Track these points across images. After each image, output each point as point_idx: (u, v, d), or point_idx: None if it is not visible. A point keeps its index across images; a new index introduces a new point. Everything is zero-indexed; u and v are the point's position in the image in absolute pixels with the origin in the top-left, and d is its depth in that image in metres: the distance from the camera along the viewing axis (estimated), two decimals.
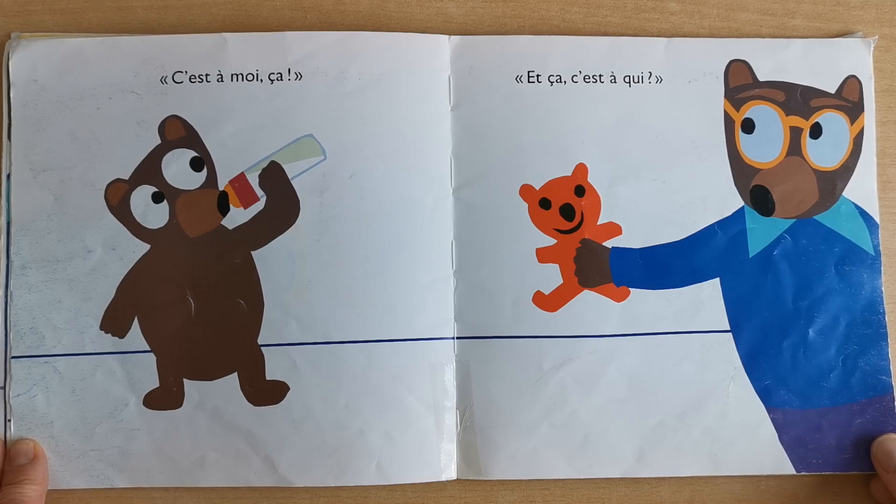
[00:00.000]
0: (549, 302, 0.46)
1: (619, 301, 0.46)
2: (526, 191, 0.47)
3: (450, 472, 0.46)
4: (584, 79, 0.47)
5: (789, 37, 0.49)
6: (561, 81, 0.47)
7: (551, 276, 0.46)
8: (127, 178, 0.46)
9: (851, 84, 0.48)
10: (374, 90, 0.47)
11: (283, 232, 0.46)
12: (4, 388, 0.45)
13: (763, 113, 0.47)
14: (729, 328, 0.47)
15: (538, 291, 0.46)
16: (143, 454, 0.45)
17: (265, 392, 0.45)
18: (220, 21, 0.48)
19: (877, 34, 0.49)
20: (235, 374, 0.46)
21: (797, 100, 0.47)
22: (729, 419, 0.46)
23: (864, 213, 0.47)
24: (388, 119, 0.47)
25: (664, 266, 0.47)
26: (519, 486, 0.47)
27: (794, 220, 0.47)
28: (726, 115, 0.47)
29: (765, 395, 0.46)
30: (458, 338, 0.46)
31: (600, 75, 0.47)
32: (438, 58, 0.47)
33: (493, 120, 0.47)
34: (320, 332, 0.46)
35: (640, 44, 0.48)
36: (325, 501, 0.46)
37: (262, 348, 0.46)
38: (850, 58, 0.48)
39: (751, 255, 0.47)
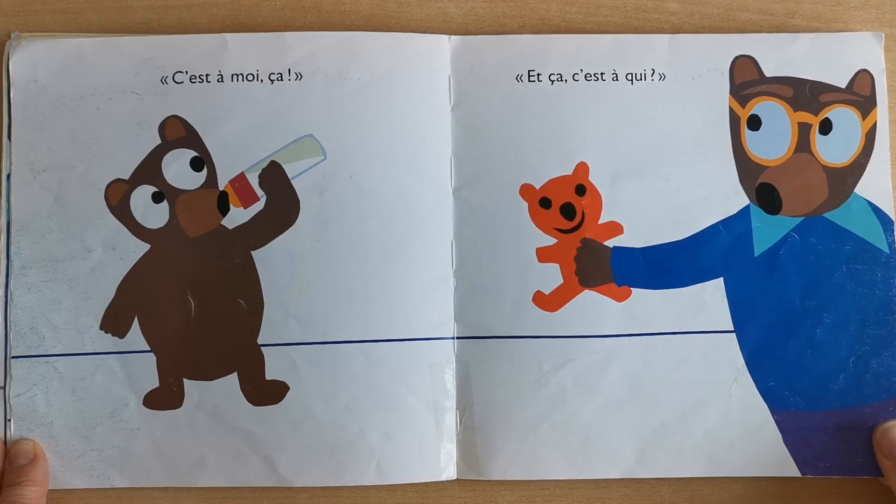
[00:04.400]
0: (549, 302, 0.46)
1: (620, 301, 0.46)
2: (526, 190, 0.47)
3: (450, 472, 0.46)
4: (586, 77, 0.47)
5: None
6: (562, 80, 0.47)
7: (552, 276, 0.46)
8: (127, 178, 0.46)
9: (863, 78, 0.47)
10: (374, 90, 0.47)
11: (283, 232, 0.46)
12: (4, 388, 0.45)
13: (770, 109, 0.47)
14: (732, 328, 0.46)
15: (538, 291, 0.46)
16: (143, 454, 0.45)
17: (265, 392, 0.45)
18: (220, 21, 0.48)
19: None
20: (235, 374, 0.46)
21: (805, 95, 0.47)
22: (731, 420, 0.46)
23: (877, 211, 0.47)
24: (388, 119, 0.47)
25: (667, 265, 0.46)
26: (519, 487, 0.47)
27: (802, 218, 0.46)
28: (731, 111, 0.47)
29: (769, 396, 0.46)
30: (458, 338, 0.46)
31: (602, 73, 0.47)
32: (438, 58, 0.47)
33: (493, 120, 0.47)
34: (320, 332, 0.46)
35: (642, 41, 0.48)
36: (325, 501, 0.46)
37: (261, 348, 0.46)
38: (861, 52, 0.47)
39: (756, 255, 0.46)
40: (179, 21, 0.48)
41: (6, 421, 0.45)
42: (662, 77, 0.47)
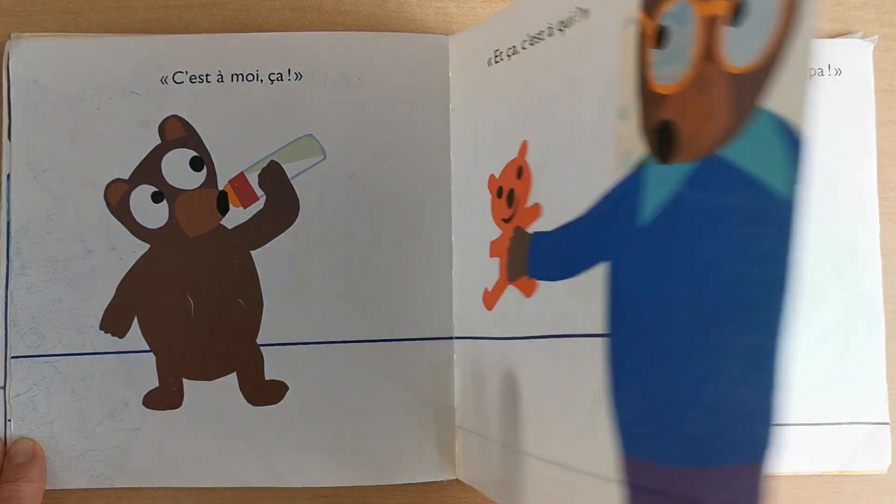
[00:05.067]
0: (488, 300, 0.43)
1: (528, 296, 0.39)
2: (491, 181, 0.43)
3: (450, 471, 0.46)
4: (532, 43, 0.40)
5: None
6: (507, 58, 0.41)
7: (496, 272, 0.43)
8: (127, 177, 0.46)
9: None
10: (374, 90, 0.47)
11: (283, 232, 0.46)
12: (4, 387, 0.45)
13: (679, 11, 0.30)
14: (604, 331, 0.33)
15: (485, 289, 0.43)
16: (143, 454, 0.45)
17: (265, 392, 0.45)
18: (220, 21, 0.48)
19: (877, 34, 0.49)
20: (235, 374, 0.46)
21: None
22: (578, 470, 0.34)
23: (786, 132, 0.26)
24: (388, 119, 0.47)
25: (565, 250, 0.36)
26: None
27: (697, 164, 0.29)
28: (642, 34, 0.32)
29: (625, 434, 0.31)
30: (457, 338, 0.46)
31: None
32: (438, 58, 0.47)
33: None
34: (320, 332, 0.46)
35: None
36: (325, 501, 0.46)
37: (261, 348, 0.46)
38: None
39: (638, 225, 0.31)
40: (179, 21, 0.48)
41: (6, 421, 0.45)
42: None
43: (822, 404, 0.46)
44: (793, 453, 0.46)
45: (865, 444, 0.46)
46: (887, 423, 0.46)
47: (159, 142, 0.46)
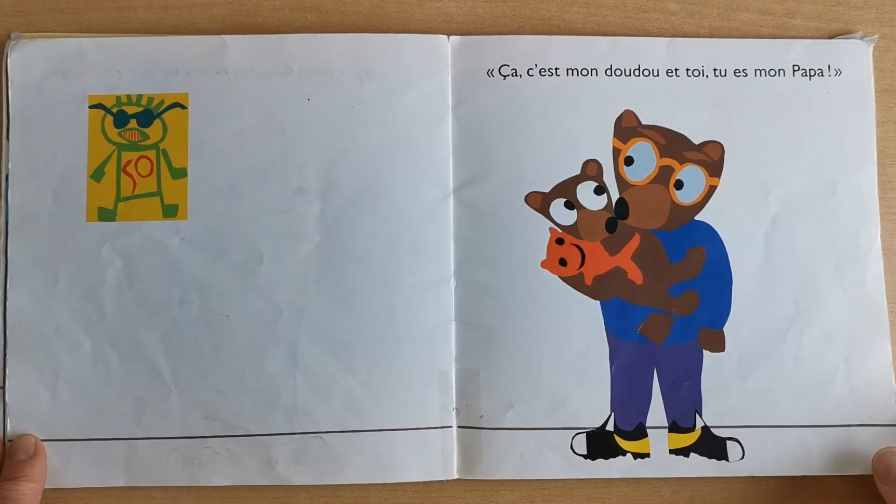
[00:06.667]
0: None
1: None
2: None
3: (450, 471, 0.46)
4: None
5: (789, 37, 0.49)
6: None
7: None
8: None
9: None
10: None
11: None
12: (4, 388, 0.45)
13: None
14: None
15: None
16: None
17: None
18: (221, 21, 0.48)
19: (877, 34, 0.49)
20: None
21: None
22: None
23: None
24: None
25: None
26: (519, 486, 0.47)
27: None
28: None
29: None
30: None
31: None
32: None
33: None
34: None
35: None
36: (325, 500, 0.46)
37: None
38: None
39: None
40: (179, 21, 0.48)
41: (5, 421, 0.45)
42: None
43: (829, 407, 0.46)
44: (794, 454, 0.46)
45: (867, 445, 0.46)
46: (895, 426, 0.46)
47: None
